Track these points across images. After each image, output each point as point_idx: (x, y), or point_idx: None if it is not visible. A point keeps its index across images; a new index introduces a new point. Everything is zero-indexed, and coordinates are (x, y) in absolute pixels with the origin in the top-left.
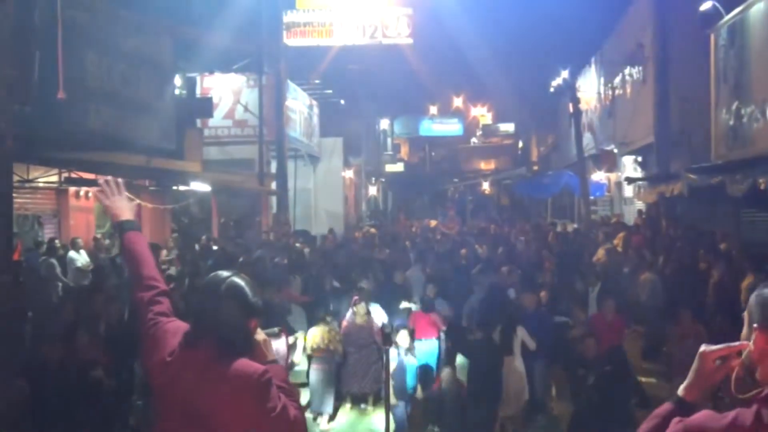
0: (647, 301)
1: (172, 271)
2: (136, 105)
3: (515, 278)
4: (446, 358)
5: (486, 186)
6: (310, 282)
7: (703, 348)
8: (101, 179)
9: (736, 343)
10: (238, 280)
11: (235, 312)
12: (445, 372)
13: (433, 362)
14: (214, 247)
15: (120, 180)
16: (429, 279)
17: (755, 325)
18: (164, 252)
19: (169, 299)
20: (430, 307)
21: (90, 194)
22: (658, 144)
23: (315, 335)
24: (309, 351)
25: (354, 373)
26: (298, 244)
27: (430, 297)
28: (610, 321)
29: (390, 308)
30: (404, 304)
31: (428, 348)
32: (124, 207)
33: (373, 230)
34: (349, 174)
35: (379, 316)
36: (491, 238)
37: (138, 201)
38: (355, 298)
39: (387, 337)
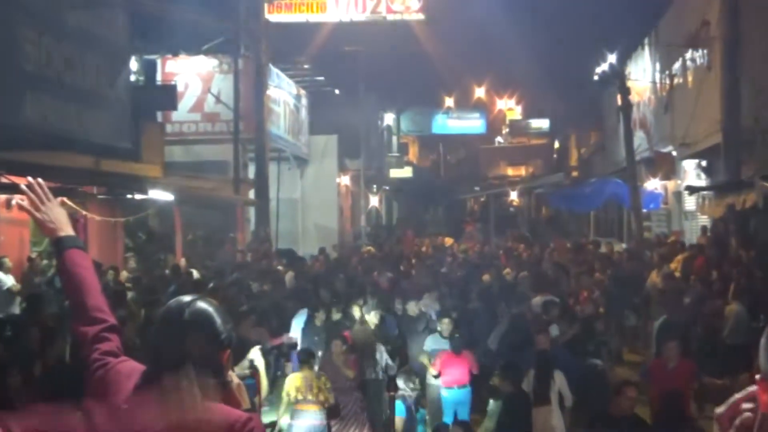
0: (731, 339)
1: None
2: (82, 94)
3: (554, 311)
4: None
5: (514, 196)
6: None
7: (716, 411)
8: (24, 183)
9: (738, 396)
10: (205, 305)
11: (203, 343)
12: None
13: (464, 414)
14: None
15: (41, 181)
16: (443, 311)
17: (758, 376)
18: (123, 273)
19: (119, 335)
20: (460, 345)
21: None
22: (726, 145)
23: (297, 382)
24: (290, 401)
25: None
26: (280, 267)
27: (458, 334)
28: (674, 368)
29: (405, 346)
30: (431, 342)
31: (459, 398)
32: (61, 218)
33: (371, 249)
34: (344, 180)
35: (379, 356)
36: (518, 261)
37: (83, 212)
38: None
39: (392, 382)
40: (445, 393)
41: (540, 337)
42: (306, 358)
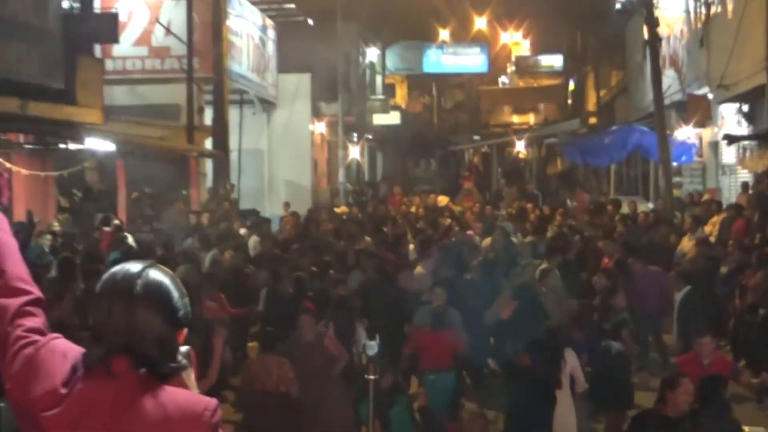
0: None
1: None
2: (2, 24)
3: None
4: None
5: (521, 147)
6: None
7: None
8: None
9: None
10: (159, 275)
11: (158, 321)
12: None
13: (446, 401)
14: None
15: None
16: (436, 281)
17: None
18: (47, 237)
19: (44, 311)
20: (441, 321)
21: None
22: None
23: (256, 369)
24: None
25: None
26: (243, 230)
27: (439, 307)
28: (708, 365)
29: (394, 327)
30: (419, 317)
31: (441, 383)
32: None
33: (346, 210)
34: (319, 128)
35: (357, 334)
36: (525, 223)
37: (7, 165)
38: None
39: (372, 362)
40: (431, 377)
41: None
42: (267, 340)
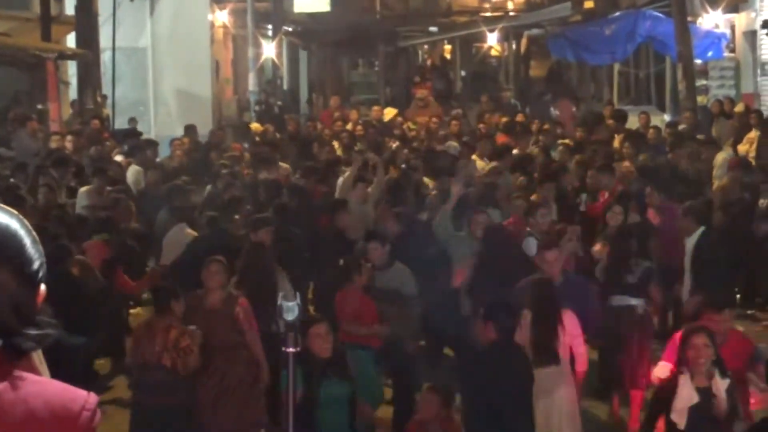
0: None
1: None
2: None
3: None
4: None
5: (493, 41)
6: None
7: None
8: None
9: None
10: (5, 218)
11: (8, 277)
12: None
13: (368, 383)
14: None
15: None
16: (370, 232)
17: None
18: None
19: None
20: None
21: None
22: None
23: (140, 334)
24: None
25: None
26: (119, 158)
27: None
28: (721, 345)
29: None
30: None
31: (362, 359)
32: None
33: (260, 128)
34: (221, 18)
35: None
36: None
37: None
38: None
39: (290, 329)
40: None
41: (547, 254)
42: (159, 297)
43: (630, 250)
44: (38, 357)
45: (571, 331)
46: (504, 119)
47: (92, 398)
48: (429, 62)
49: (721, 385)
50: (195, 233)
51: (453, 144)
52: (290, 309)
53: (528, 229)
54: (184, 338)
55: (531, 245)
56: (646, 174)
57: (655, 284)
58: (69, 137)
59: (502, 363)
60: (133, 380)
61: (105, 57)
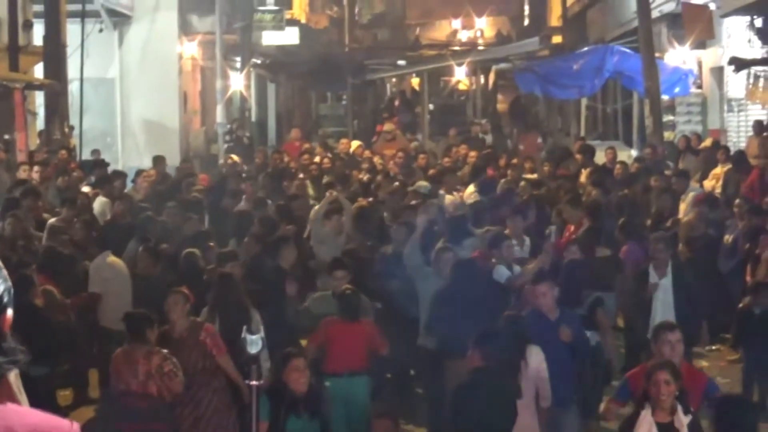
0: None
1: None
2: None
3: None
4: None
5: (462, 75)
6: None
7: None
8: None
9: None
10: None
11: None
12: None
13: (359, 411)
14: None
15: None
16: (336, 260)
17: None
18: None
19: None
20: (356, 308)
21: None
22: None
23: (120, 364)
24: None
25: None
26: (86, 188)
27: (350, 291)
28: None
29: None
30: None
31: (354, 387)
32: None
33: (234, 158)
34: (190, 50)
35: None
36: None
37: None
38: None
39: (253, 362)
40: (327, 383)
41: (538, 288)
42: (134, 325)
43: (581, 283)
44: (17, 386)
45: (536, 367)
46: (472, 153)
47: (76, 427)
48: (398, 96)
49: (683, 421)
50: (119, 261)
51: (422, 183)
52: (254, 342)
53: (494, 260)
54: (167, 363)
55: (502, 273)
56: (612, 209)
57: (602, 312)
58: (36, 167)
59: (491, 389)
60: (113, 409)
61: (73, 87)
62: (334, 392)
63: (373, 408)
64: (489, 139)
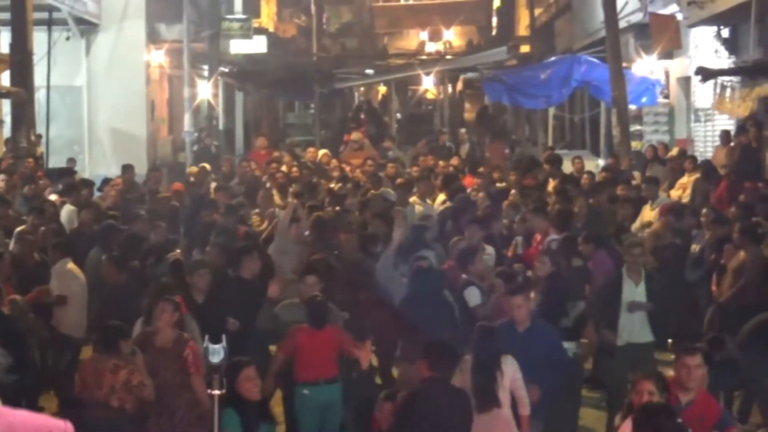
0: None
1: None
2: None
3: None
4: None
5: (429, 84)
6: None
7: None
8: None
9: None
10: None
11: None
12: None
13: (334, 418)
14: None
15: None
16: (307, 267)
17: None
18: None
19: None
20: (323, 315)
21: None
22: (762, 4)
23: (87, 374)
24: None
25: None
26: (53, 197)
27: (318, 298)
28: (691, 404)
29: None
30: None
31: (331, 395)
32: None
33: (195, 169)
34: (158, 58)
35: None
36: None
37: None
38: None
39: (215, 371)
40: (305, 391)
41: (513, 299)
42: (105, 336)
43: (564, 294)
44: None
45: (511, 376)
46: (440, 163)
47: (69, 427)
48: (364, 105)
49: None
50: (77, 269)
51: (388, 190)
52: (216, 351)
53: (464, 276)
54: (134, 376)
55: (473, 294)
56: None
57: (588, 327)
58: (1, 176)
59: (439, 401)
60: (78, 418)
61: (40, 95)
62: (312, 400)
63: (380, 391)
64: (467, 148)
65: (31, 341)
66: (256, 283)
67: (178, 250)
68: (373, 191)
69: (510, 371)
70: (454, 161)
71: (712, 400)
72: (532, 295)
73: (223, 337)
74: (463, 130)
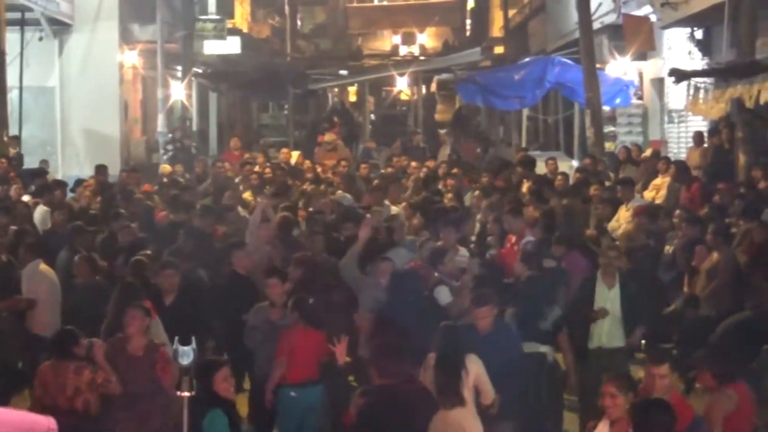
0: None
1: None
2: None
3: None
4: None
5: (403, 85)
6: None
7: None
8: None
9: None
10: None
11: None
12: None
13: (315, 420)
14: None
15: None
16: (276, 271)
17: None
18: None
19: None
20: (312, 315)
21: None
22: (734, 5)
23: (47, 378)
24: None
25: None
26: (26, 198)
27: (305, 297)
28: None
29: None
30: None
31: (316, 396)
32: None
33: (168, 169)
34: (131, 59)
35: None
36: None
37: None
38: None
39: (185, 374)
40: (292, 393)
41: (478, 312)
42: (63, 340)
43: (541, 296)
44: None
45: (475, 372)
46: (413, 164)
47: (53, 423)
48: (336, 107)
49: None
50: (50, 270)
51: (344, 194)
52: (185, 353)
53: (436, 274)
54: (98, 375)
55: (443, 294)
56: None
57: (562, 335)
58: None
59: (389, 408)
60: None
61: (12, 96)
62: (299, 402)
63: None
64: (447, 150)
65: (8, 342)
66: (250, 279)
67: (148, 251)
68: (342, 192)
69: (474, 369)
70: (429, 163)
71: (686, 405)
72: None
73: (193, 338)
74: (443, 131)
